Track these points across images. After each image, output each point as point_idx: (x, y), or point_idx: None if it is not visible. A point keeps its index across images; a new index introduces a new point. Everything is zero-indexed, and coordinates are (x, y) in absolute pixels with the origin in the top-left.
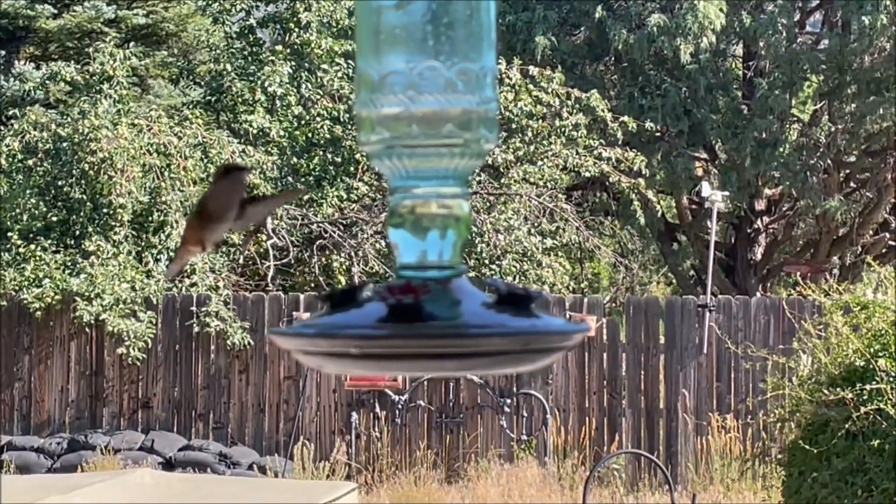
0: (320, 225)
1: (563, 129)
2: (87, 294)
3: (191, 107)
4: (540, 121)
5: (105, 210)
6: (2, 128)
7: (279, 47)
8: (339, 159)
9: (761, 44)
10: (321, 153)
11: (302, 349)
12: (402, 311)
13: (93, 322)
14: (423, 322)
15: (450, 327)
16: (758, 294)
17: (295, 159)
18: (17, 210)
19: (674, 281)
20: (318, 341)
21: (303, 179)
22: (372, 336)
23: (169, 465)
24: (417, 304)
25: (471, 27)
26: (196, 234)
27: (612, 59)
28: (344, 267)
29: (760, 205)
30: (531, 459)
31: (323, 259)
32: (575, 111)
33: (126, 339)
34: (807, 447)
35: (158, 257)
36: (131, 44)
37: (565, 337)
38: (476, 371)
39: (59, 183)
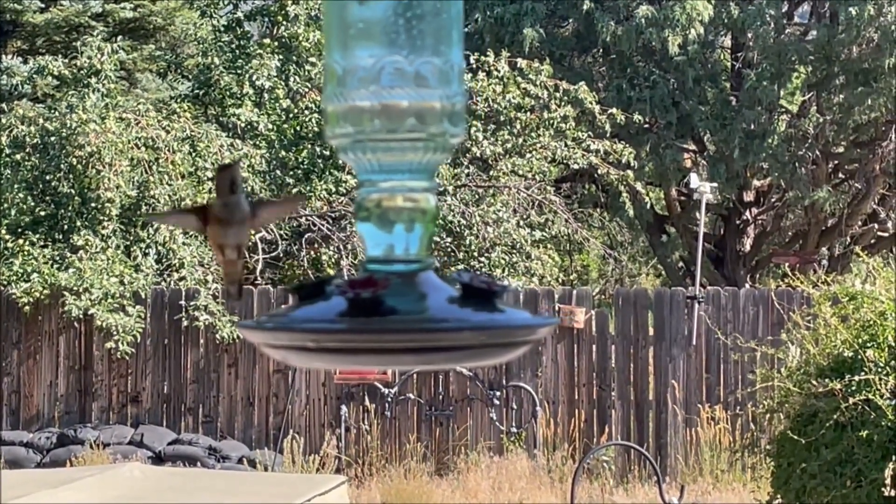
0: (309, 218)
1: (551, 122)
2: (75, 288)
3: (179, 100)
4: (528, 113)
5: (93, 204)
6: None
7: (267, 40)
8: (327, 152)
9: (749, 35)
10: (309, 146)
11: (265, 343)
12: (361, 305)
13: (81, 316)
14: (383, 316)
15: (406, 322)
16: (747, 285)
17: (283, 152)
18: (6, 205)
19: (663, 272)
20: (278, 335)
21: (291, 172)
22: (327, 330)
23: (158, 459)
24: (376, 298)
25: (436, 22)
26: (214, 240)
27: (601, 51)
28: (333, 260)
29: (749, 196)
30: (521, 452)
31: (312, 252)
32: (563, 103)
33: (115, 333)
34: (795, 438)
35: (147, 251)
36: (119, 38)
37: (528, 331)
38: (436, 365)
39: (47, 177)
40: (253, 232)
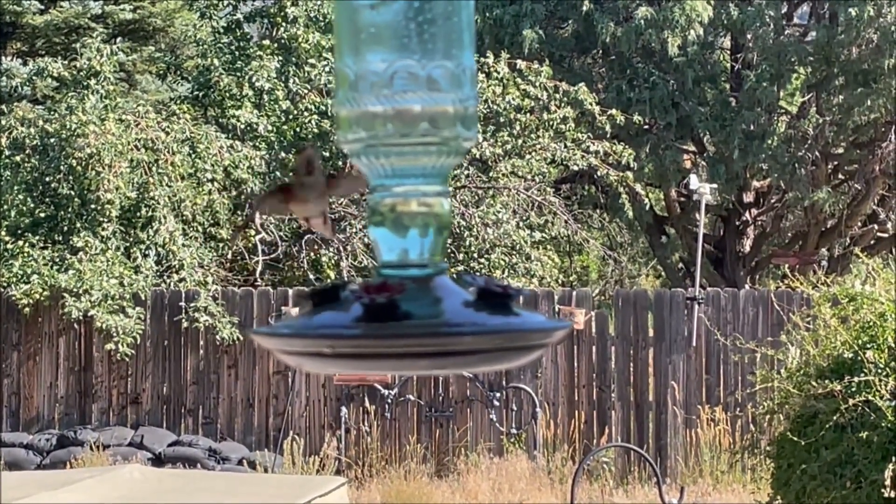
0: None
1: (550, 123)
2: (75, 290)
3: (178, 102)
4: (528, 114)
5: (93, 206)
6: None
7: (266, 42)
8: (327, 154)
9: (749, 36)
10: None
11: (280, 349)
12: (377, 310)
13: (81, 318)
14: (398, 321)
15: (423, 326)
16: (746, 286)
17: (283, 154)
18: (5, 206)
19: (662, 273)
20: (293, 341)
21: (290, 174)
22: (344, 336)
23: (158, 460)
24: (392, 303)
25: (447, 26)
26: (299, 215)
27: (600, 52)
28: (332, 262)
29: (749, 197)
30: (521, 453)
31: (311, 254)
32: (563, 104)
33: (115, 334)
34: (795, 439)
35: (146, 253)
36: (118, 39)
37: (543, 334)
38: (452, 370)
39: (47, 179)
40: (253, 233)
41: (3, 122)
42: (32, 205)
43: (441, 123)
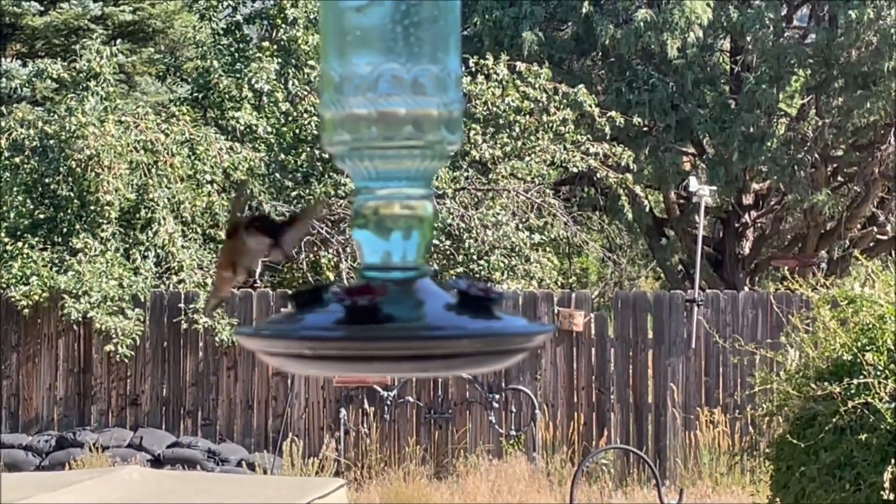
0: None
1: (550, 125)
2: (74, 291)
3: (178, 103)
4: (527, 116)
5: (92, 207)
6: None
7: (266, 43)
8: (326, 155)
9: (748, 38)
10: (308, 149)
11: (261, 350)
12: (359, 312)
13: (80, 319)
14: (380, 324)
15: (403, 329)
16: (746, 288)
17: (282, 155)
18: (5, 208)
19: (662, 276)
20: (275, 342)
21: (290, 175)
22: (324, 338)
23: (157, 462)
24: (373, 305)
25: (433, 30)
26: (227, 261)
27: (600, 54)
28: (332, 263)
29: (748, 199)
30: (520, 455)
31: (311, 255)
32: (562, 106)
33: (114, 336)
34: (794, 441)
35: (146, 254)
36: (118, 41)
37: (525, 338)
38: (433, 373)
39: (47, 180)
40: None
41: (3, 124)
42: (32, 206)
43: (425, 127)
